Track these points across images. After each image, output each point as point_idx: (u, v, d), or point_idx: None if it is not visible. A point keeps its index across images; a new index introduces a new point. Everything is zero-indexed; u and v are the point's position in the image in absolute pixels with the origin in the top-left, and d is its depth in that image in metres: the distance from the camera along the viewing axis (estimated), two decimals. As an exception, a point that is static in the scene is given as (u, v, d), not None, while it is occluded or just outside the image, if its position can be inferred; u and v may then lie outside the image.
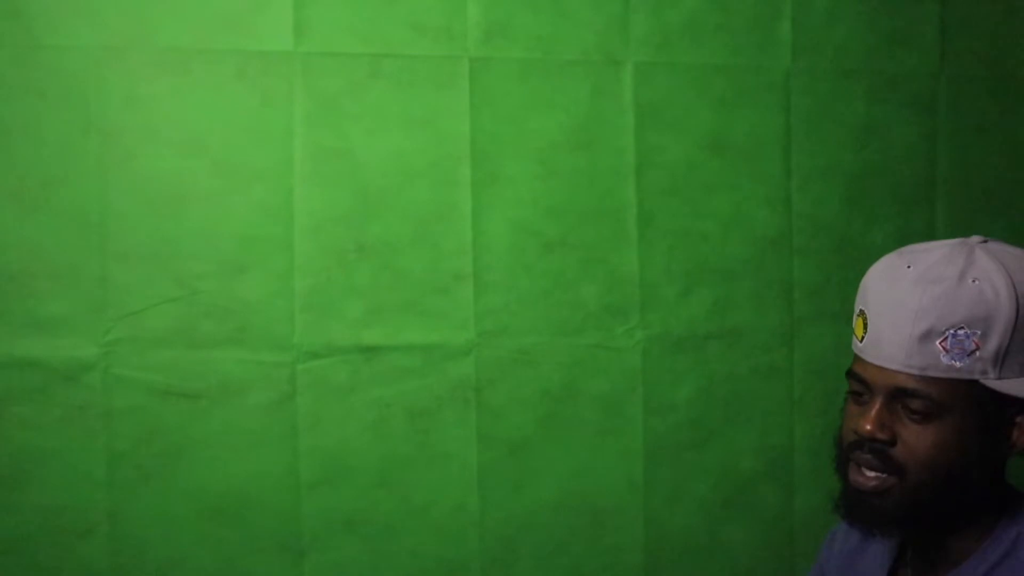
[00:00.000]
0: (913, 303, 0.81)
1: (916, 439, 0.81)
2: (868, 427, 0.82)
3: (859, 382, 0.86)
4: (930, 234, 1.71)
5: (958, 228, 1.72)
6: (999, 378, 0.79)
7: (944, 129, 1.73)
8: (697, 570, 1.63)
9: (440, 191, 1.54)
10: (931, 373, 0.80)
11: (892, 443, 0.82)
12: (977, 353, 0.79)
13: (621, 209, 1.60)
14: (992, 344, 0.79)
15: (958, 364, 0.79)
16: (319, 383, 1.50)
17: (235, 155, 1.48)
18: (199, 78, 1.47)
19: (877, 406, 0.83)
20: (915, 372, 0.80)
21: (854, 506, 0.85)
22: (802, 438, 1.68)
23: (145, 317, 1.45)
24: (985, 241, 0.84)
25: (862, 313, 0.87)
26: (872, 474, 0.83)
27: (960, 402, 0.80)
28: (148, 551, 1.46)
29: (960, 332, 0.79)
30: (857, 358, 0.87)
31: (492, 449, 1.56)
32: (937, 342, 0.80)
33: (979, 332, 0.79)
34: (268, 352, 1.49)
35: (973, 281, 0.80)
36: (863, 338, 0.86)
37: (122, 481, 1.45)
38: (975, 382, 0.80)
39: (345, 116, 1.51)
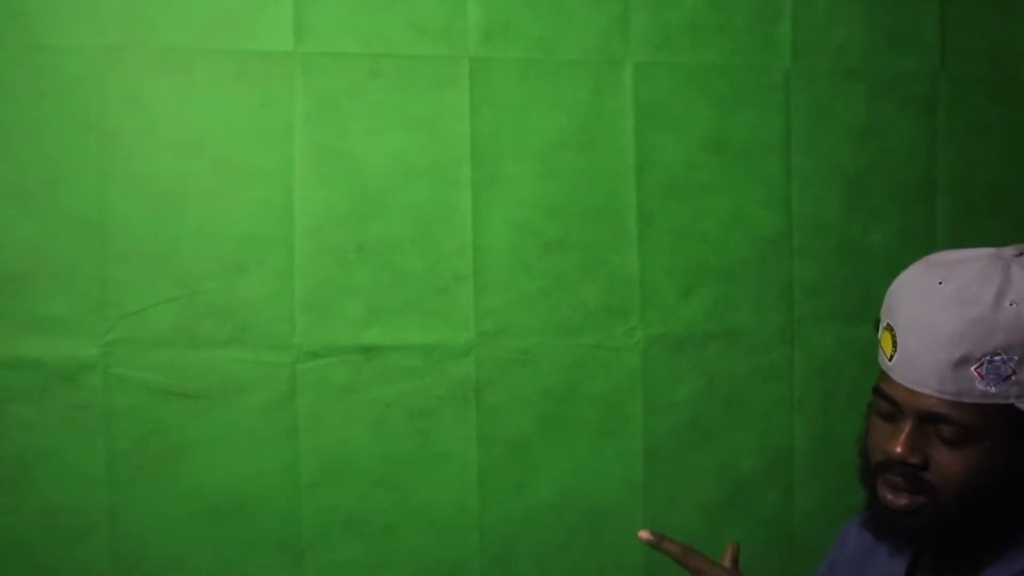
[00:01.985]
0: (947, 327, 0.78)
1: (949, 462, 0.79)
2: (899, 450, 0.80)
3: (888, 402, 0.83)
4: (930, 234, 1.71)
5: (958, 228, 1.72)
6: None
7: (944, 129, 1.73)
8: (697, 570, 1.63)
9: (440, 191, 1.54)
10: (965, 399, 0.78)
11: (924, 467, 0.80)
12: (1013, 378, 0.77)
13: (621, 209, 1.60)
14: None
15: (993, 390, 0.77)
16: (319, 383, 1.50)
17: (235, 155, 1.48)
18: (199, 78, 1.47)
19: (908, 429, 0.81)
20: (948, 398, 0.78)
21: (884, 523, 0.84)
22: (802, 438, 1.67)
23: (145, 317, 1.45)
24: (1021, 254, 0.82)
25: (890, 328, 0.84)
26: (903, 495, 0.81)
27: (994, 426, 0.78)
28: (148, 551, 1.46)
29: (997, 358, 0.77)
30: (885, 375, 0.85)
31: (492, 449, 1.56)
32: (972, 368, 0.78)
33: (1016, 358, 0.77)
34: (268, 352, 1.49)
35: (1011, 304, 0.77)
36: (892, 357, 0.83)
37: (122, 481, 1.45)
38: (1011, 406, 0.78)
39: (345, 116, 1.51)
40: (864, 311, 1.69)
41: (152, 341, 1.46)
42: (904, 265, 1.77)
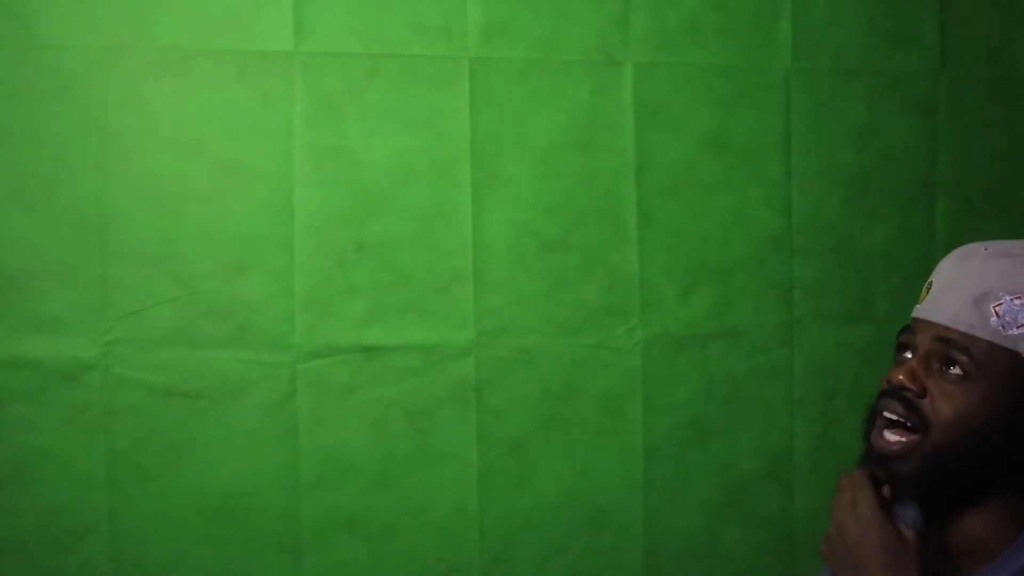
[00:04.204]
0: (978, 270, 0.83)
1: (945, 397, 0.82)
2: (900, 376, 0.84)
3: (906, 339, 0.88)
4: (930, 234, 1.71)
5: (958, 228, 1.72)
6: None
7: (944, 129, 1.73)
8: (697, 570, 1.63)
9: (440, 191, 1.54)
10: (977, 332, 0.81)
11: (920, 395, 0.83)
12: None
13: (621, 209, 1.60)
14: None
15: (1005, 331, 0.81)
16: (319, 383, 1.50)
17: (235, 155, 1.48)
18: (199, 78, 1.47)
19: (915, 360, 0.85)
20: (962, 328, 0.82)
21: (874, 468, 0.87)
22: (802, 438, 1.68)
23: (145, 317, 1.46)
24: None
25: (929, 283, 0.89)
26: (894, 438, 0.84)
27: (996, 371, 0.81)
28: (148, 551, 1.46)
29: (1016, 301, 0.81)
30: (912, 319, 0.89)
31: (492, 449, 1.56)
32: (992, 305, 0.81)
33: None
34: (268, 352, 1.49)
35: None
36: (923, 301, 0.88)
37: (122, 481, 1.45)
38: (1017, 356, 0.81)
39: (345, 116, 1.51)
40: (864, 311, 1.69)
41: (152, 341, 1.46)
42: (904, 265, 1.78)
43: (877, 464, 0.86)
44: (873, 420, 0.87)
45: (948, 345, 0.82)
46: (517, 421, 1.57)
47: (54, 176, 1.43)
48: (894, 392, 0.84)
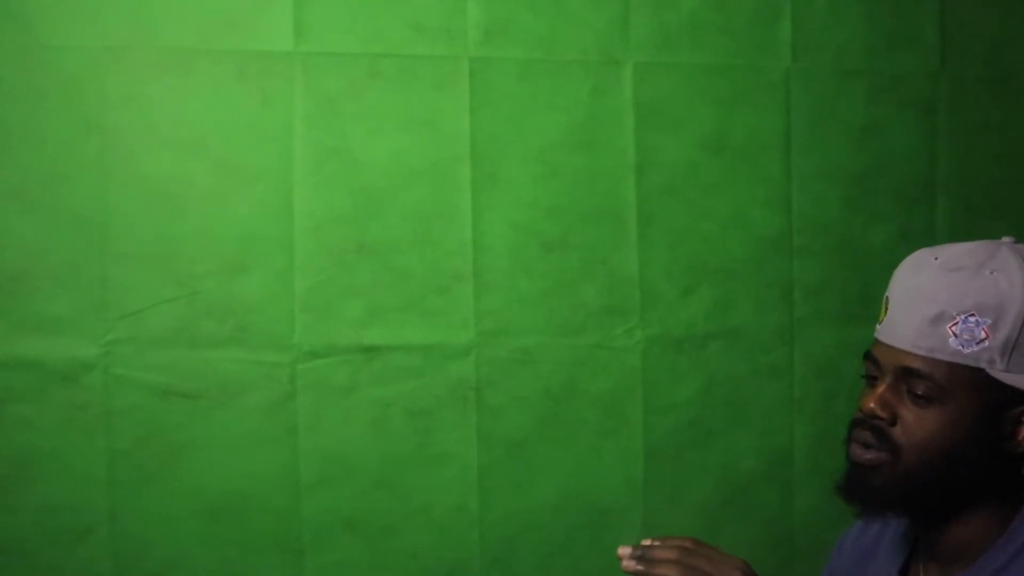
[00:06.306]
0: (930, 287, 0.83)
1: (915, 421, 0.82)
2: (871, 405, 0.84)
3: (872, 363, 0.87)
4: (930, 234, 1.71)
5: (958, 228, 1.72)
6: (1006, 370, 0.80)
7: (944, 129, 1.73)
8: (697, 570, 1.63)
9: (440, 191, 1.54)
10: (937, 355, 0.81)
11: (892, 423, 0.83)
12: (986, 342, 0.80)
13: (621, 209, 1.60)
14: (1002, 334, 0.79)
15: (965, 350, 0.80)
16: (319, 383, 1.50)
17: (235, 155, 1.48)
18: (199, 78, 1.47)
19: (883, 387, 0.84)
20: (922, 353, 0.82)
21: (849, 480, 0.87)
22: (802, 438, 1.67)
23: (145, 317, 1.46)
24: (1016, 242, 0.86)
25: (886, 299, 0.89)
26: (870, 450, 0.84)
27: (963, 389, 0.81)
28: (148, 551, 1.46)
29: (971, 319, 0.80)
30: (875, 341, 0.89)
31: (492, 449, 1.56)
32: (947, 326, 0.81)
33: (989, 321, 0.80)
34: (268, 352, 1.49)
35: (991, 272, 0.81)
36: (883, 321, 0.88)
37: (122, 481, 1.45)
38: (981, 371, 0.80)
39: (345, 116, 1.51)
40: (864, 311, 1.69)
41: (152, 341, 1.46)
42: (904, 265, 1.76)
43: (851, 474, 0.86)
44: (849, 435, 0.87)
45: (911, 372, 0.82)
46: (517, 421, 1.57)
47: (54, 176, 1.43)
48: (865, 421, 0.84)
